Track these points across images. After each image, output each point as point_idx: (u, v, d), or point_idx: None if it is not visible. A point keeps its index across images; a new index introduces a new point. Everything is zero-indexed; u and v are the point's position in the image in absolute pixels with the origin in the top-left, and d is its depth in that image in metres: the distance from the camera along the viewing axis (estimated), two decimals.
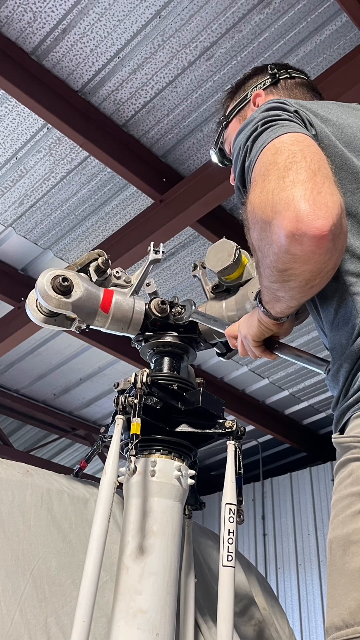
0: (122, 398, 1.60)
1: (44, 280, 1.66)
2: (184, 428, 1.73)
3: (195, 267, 1.99)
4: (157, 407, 1.69)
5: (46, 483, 1.79)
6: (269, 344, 1.44)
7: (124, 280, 1.84)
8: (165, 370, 1.82)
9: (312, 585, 6.43)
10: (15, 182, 4.21)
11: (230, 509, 1.53)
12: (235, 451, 1.65)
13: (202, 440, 1.77)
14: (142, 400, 1.56)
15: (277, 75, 1.76)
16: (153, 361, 1.88)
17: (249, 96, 1.77)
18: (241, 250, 1.81)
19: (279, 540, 6.88)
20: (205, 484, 6.70)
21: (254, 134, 1.29)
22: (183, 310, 1.84)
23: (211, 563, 2.00)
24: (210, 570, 1.98)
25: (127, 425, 1.59)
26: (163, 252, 1.89)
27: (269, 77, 1.76)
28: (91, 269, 1.80)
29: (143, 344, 1.88)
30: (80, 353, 5.97)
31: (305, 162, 1.11)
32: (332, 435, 1.22)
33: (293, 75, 1.78)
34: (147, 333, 1.85)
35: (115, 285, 1.83)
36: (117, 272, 1.84)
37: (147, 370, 1.63)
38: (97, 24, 3.30)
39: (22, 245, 4.74)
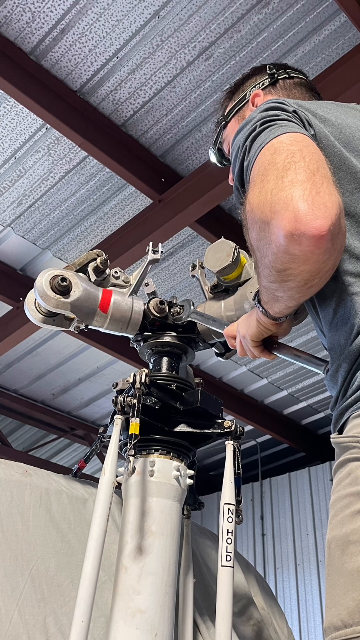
0: (120, 398, 1.60)
1: (42, 280, 1.66)
2: (182, 428, 1.73)
3: (193, 267, 1.99)
4: (156, 407, 1.69)
5: (45, 483, 1.79)
6: (268, 344, 1.44)
7: (123, 280, 1.84)
8: (164, 370, 1.82)
9: (311, 585, 6.43)
10: (14, 182, 4.21)
11: (229, 509, 1.53)
12: (234, 451, 1.65)
13: (201, 440, 1.77)
14: (141, 400, 1.56)
15: (275, 75, 1.76)
16: (152, 361, 1.88)
17: (247, 96, 1.77)
18: (240, 250, 1.81)
19: (278, 540, 6.89)
20: (204, 484, 6.70)
21: (253, 134, 1.29)
22: (182, 310, 1.84)
23: (210, 563, 2.00)
24: (209, 570, 1.98)
25: (125, 425, 1.59)
26: (162, 252, 1.89)
27: (267, 77, 1.76)
28: (90, 269, 1.80)
29: (142, 344, 1.88)
30: (79, 353, 5.97)
31: (304, 162, 1.11)
32: (331, 435, 1.22)
33: (292, 75, 1.78)
34: (145, 333, 1.85)
35: (114, 285, 1.83)
36: (115, 272, 1.84)
37: (146, 370, 1.63)
38: (95, 24, 3.30)
39: (20, 245, 4.74)
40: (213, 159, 1.94)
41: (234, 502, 1.55)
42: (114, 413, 1.62)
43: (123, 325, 1.80)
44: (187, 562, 1.78)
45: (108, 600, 1.61)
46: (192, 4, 3.20)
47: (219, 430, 1.70)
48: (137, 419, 1.51)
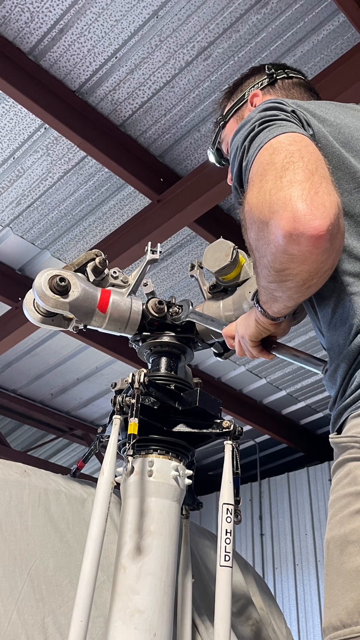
0: (119, 398, 1.60)
1: (41, 280, 1.66)
2: (181, 428, 1.73)
3: (192, 267, 1.99)
4: (155, 407, 1.69)
5: (43, 483, 1.79)
6: (267, 344, 1.44)
7: (122, 280, 1.84)
8: (163, 370, 1.82)
9: (310, 585, 6.43)
10: (13, 182, 4.21)
11: (227, 509, 1.53)
12: (233, 451, 1.65)
13: (200, 440, 1.77)
14: (140, 400, 1.56)
15: (274, 75, 1.76)
16: (150, 361, 1.88)
17: (246, 96, 1.77)
18: (238, 250, 1.81)
19: (277, 541, 6.88)
20: (203, 484, 6.70)
21: (252, 134, 1.29)
22: (180, 310, 1.84)
23: (208, 563, 2.00)
24: (208, 570, 1.98)
25: (124, 425, 1.59)
26: (160, 252, 1.89)
27: (266, 77, 1.76)
28: (88, 269, 1.80)
29: (140, 344, 1.88)
30: (77, 353, 5.97)
31: (303, 162, 1.11)
32: (330, 435, 1.22)
33: (290, 75, 1.78)
34: (144, 333, 1.85)
35: (113, 285, 1.83)
36: (114, 272, 1.84)
37: (145, 370, 1.63)
38: (94, 24, 3.30)
39: (19, 245, 4.74)
40: (212, 159, 1.94)
41: (232, 502, 1.55)
42: (113, 413, 1.62)
43: (122, 325, 1.80)
44: (186, 562, 1.77)
45: (107, 600, 1.61)
46: (190, 4, 3.20)
47: (218, 430, 1.70)
48: (136, 419, 1.51)
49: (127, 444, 1.47)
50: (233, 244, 1.80)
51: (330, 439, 1.21)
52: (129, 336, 1.88)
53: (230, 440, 1.67)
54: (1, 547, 1.60)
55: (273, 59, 3.44)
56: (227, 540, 1.49)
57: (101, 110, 3.75)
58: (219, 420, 1.72)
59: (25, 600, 1.56)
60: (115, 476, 1.51)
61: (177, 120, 3.82)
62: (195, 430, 1.73)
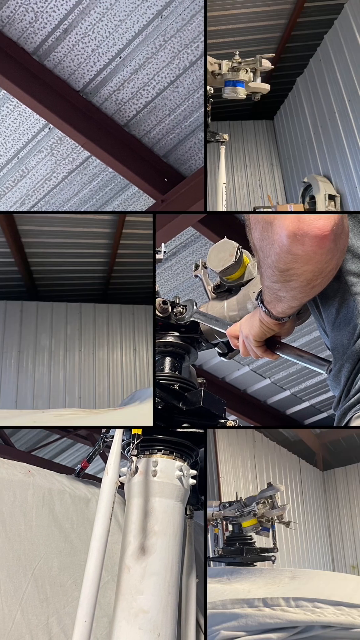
0: None
1: None
2: (185, 428, 1.73)
3: (196, 267, 1.99)
4: (159, 407, 1.69)
5: (48, 483, 1.79)
6: (271, 344, 1.44)
7: None
8: (167, 370, 1.82)
9: None
10: (17, 182, 4.21)
11: None
12: None
13: (204, 440, 1.77)
14: None
15: None
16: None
17: None
18: (243, 250, 1.81)
19: None
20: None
21: None
22: (184, 310, 1.84)
23: None
24: None
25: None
26: (165, 252, 1.89)
27: None
28: None
29: None
30: None
31: None
32: None
33: None
34: None
35: None
36: None
37: None
38: (98, 24, 3.30)
39: None
40: None
41: None
42: None
43: None
44: (190, 562, 1.77)
45: (111, 601, 1.61)
46: (194, 4, 3.19)
47: None
48: None
49: (132, 444, 1.47)
50: (237, 244, 1.80)
51: None
52: None
53: None
54: (5, 547, 1.60)
55: None
56: None
57: (105, 110, 3.75)
58: (223, 420, 1.72)
59: (30, 600, 1.57)
60: (120, 476, 1.51)
61: (181, 120, 3.82)
62: (200, 430, 1.72)
